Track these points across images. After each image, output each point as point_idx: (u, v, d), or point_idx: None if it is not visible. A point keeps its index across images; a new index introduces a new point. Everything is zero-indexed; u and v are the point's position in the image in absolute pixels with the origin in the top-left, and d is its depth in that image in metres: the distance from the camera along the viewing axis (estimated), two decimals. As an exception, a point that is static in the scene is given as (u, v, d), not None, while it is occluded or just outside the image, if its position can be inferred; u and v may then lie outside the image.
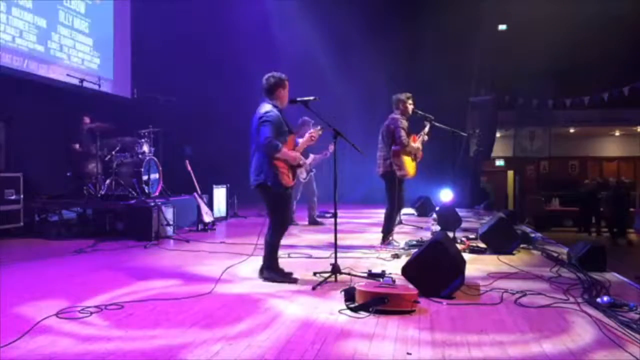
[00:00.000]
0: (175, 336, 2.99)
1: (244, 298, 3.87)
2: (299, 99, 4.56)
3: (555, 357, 2.79)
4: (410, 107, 6.20)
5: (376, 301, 3.44)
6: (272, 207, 4.44)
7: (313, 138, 4.69)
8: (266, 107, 4.37)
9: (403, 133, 5.99)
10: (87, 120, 7.66)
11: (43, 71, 8.38)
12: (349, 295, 3.67)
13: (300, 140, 4.65)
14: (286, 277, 4.41)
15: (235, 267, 4.87)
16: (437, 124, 6.46)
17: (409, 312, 3.47)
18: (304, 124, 8.07)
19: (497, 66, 15.52)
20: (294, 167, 4.45)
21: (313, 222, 8.53)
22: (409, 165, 6.11)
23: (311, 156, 8.26)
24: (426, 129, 6.35)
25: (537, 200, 17.66)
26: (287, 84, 4.51)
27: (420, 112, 6.32)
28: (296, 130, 8.03)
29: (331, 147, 7.49)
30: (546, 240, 7.43)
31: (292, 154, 4.38)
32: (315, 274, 4.51)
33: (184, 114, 9.66)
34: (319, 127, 4.80)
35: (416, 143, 6.23)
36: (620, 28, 14.01)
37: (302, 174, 8.22)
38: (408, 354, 2.78)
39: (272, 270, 4.44)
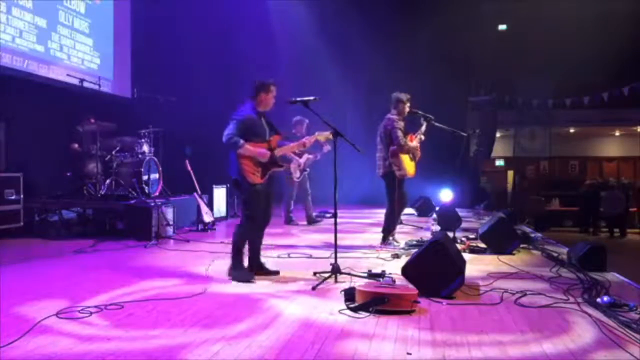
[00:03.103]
0: (175, 336, 2.99)
1: (244, 298, 3.87)
2: (298, 99, 4.58)
3: (555, 357, 2.79)
4: (407, 110, 6.22)
5: (376, 301, 3.45)
6: (243, 203, 4.57)
7: (305, 145, 4.73)
8: (240, 108, 4.50)
9: (400, 134, 6.00)
10: (92, 121, 7.65)
11: (43, 71, 8.37)
12: (349, 295, 3.67)
13: (290, 144, 4.69)
14: (249, 277, 4.40)
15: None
16: (437, 124, 6.47)
17: (409, 312, 3.47)
18: (298, 122, 8.09)
19: (497, 66, 15.52)
20: (265, 165, 4.44)
21: (312, 221, 8.53)
22: (408, 165, 6.11)
23: (305, 155, 8.24)
24: (423, 128, 6.36)
25: (537, 200, 17.65)
26: (272, 88, 4.55)
27: (420, 112, 6.33)
28: (294, 130, 8.13)
29: (326, 148, 7.52)
30: (546, 240, 7.43)
31: (258, 150, 4.39)
32: (315, 274, 4.51)
33: (184, 114, 9.65)
34: (328, 132, 4.71)
35: (414, 142, 6.24)
36: (621, 28, 14.01)
37: (296, 174, 8.20)
38: (408, 354, 2.78)
39: (235, 269, 4.46)
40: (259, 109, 4.53)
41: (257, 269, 4.63)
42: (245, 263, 4.59)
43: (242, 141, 4.31)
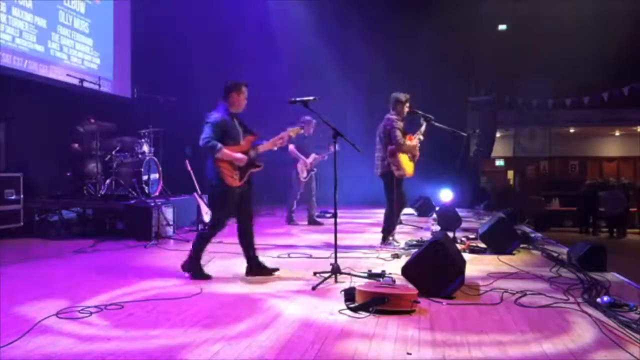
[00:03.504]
0: (175, 336, 2.99)
1: (243, 298, 3.87)
2: (298, 99, 4.58)
3: (555, 357, 2.79)
4: (406, 110, 6.21)
5: (376, 301, 3.44)
6: (213, 205, 4.65)
7: (282, 141, 4.74)
8: (214, 111, 4.56)
9: (398, 133, 5.99)
10: (92, 121, 7.65)
11: (43, 71, 8.37)
12: (349, 295, 3.67)
13: (265, 142, 4.71)
14: (201, 274, 4.45)
15: (235, 267, 4.88)
16: (437, 124, 6.46)
17: (409, 312, 3.47)
18: (307, 122, 8.14)
19: (497, 66, 15.52)
20: (243, 168, 4.49)
21: (312, 222, 8.52)
22: (407, 165, 6.10)
23: (312, 155, 8.27)
24: (422, 129, 6.34)
25: (537, 200, 17.65)
26: (243, 89, 4.60)
27: (420, 112, 6.32)
28: (303, 130, 8.18)
29: (332, 148, 7.56)
30: (546, 240, 7.43)
31: (236, 156, 4.44)
32: (315, 274, 4.51)
33: (184, 114, 9.66)
34: (296, 127, 4.88)
35: (412, 142, 6.23)
36: (621, 28, 14.01)
37: (303, 173, 8.23)
38: (408, 354, 2.78)
39: (191, 262, 4.51)
40: (232, 110, 4.57)
41: (257, 269, 4.65)
42: (243, 265, 4.62)
43: (219, 145, 4.36)
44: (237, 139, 4.53)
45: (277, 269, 4.70)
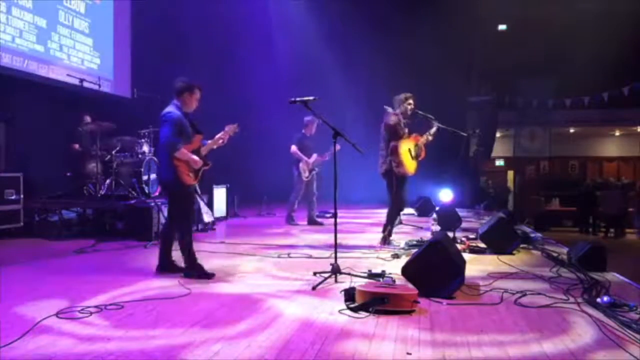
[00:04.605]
0: (175, 336, 2.99)
1: (244, 298, 3.87)
2: (298, 99, 4.58)
3: (555, 357, 2.78)
4: (410, 107, 6.18)
5: (376, 301, 3.44)
6: (173, 205, 4.64)
7: (222, 140, 4.74)
8: (168, 108, 4.56)
9: (393, 117, 5.96)
10: (87, 119, 7.66)
11: (43, 71, 8.38)
12: (349, 295, 3.67)
13: (208, 142, 4.76)
14: (203, 274, 4.47)
15: (236, 266, 4.88)
16: (437, 124, 6.46)
17: (409, 312, 3.47)
18: (310, 122, 8.18)
19: (497, 66, 15.55)
20: (196, 169, 4.56)
21: (312, 222, 8.52)
22: (408, 163, 6.06)
23: (314, 156, 8.28)
24: (432, 130, 6.31)
25: (537, 200, 17.67)
26: (196, 91, 4.65)
27: (421, 112, 6.31)
28: (304, 130, 8.22)
29: (335, 147, 7.58)
30: (546, 240, 7.43)
31: (193, 158, 4.50)
32: (315, 274, 4.51)
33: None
34: (235, 125, 4.86)
35: (420, 141, 6.21)
36: (621, 28, 14.04)
37: (305, 173, 8.24)
38: (408, 354, 2.78)
39: (189, 265, 4.53)
40: (184, 110, 4.60)
41: (169, 268, 4.67)
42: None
43: (180, 144, 4.39)
44: (190, 138, 4.59)
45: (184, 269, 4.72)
